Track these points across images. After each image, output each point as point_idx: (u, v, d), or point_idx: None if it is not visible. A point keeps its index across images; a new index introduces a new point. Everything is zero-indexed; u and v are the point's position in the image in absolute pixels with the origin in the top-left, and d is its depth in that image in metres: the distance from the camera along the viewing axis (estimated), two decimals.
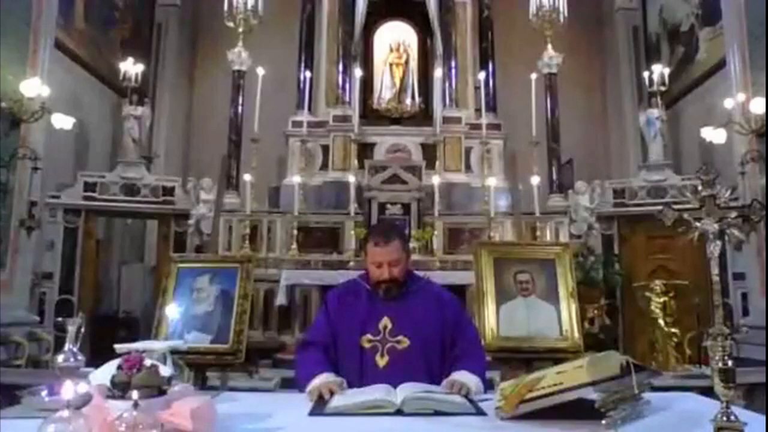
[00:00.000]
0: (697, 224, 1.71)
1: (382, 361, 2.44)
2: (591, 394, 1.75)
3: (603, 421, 1.70)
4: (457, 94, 9.35)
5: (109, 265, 9.79)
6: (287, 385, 5.59)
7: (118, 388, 1.61)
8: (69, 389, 1.35)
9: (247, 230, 7.65)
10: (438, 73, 9.05)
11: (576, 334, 3.06)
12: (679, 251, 7.63)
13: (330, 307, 2.64)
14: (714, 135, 7.11)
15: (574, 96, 10.65)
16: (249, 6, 9.00)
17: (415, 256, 7.35)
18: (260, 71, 8.21)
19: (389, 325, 2.49)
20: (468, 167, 9.00)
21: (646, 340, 6.78)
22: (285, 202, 8.44)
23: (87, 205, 8.24)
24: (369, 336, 2.48)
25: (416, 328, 2.49)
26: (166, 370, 1.80)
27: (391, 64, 9.66)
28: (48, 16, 6.94)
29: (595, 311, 7.44)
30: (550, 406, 1.77)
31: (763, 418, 1.74)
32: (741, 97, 6.63)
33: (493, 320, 3.09)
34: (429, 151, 8.97)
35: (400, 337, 2.47)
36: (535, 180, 7.54)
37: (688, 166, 8.80)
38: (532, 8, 9.23)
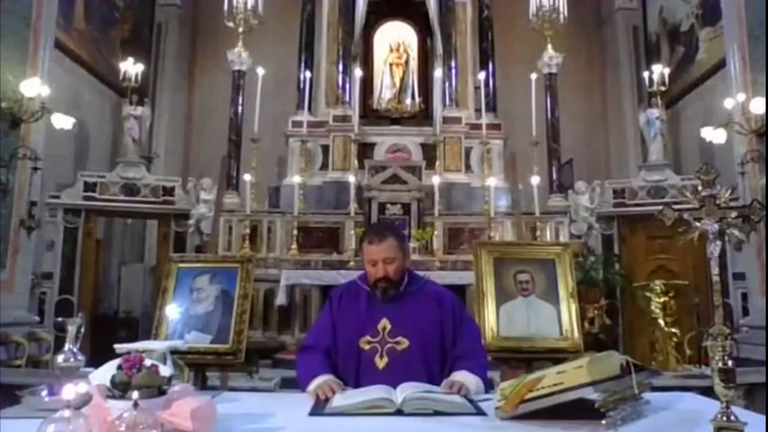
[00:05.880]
0: (697, 224, 1.71)
1: (381, 363, 2.43)
2: (591, 394, 1.75)
3: (603, 421, 1.70)
4: (457, 94, 9.35)
5: (109, 265, 9.79)
6: (287, 385, 5.60)
7: (118, 388, 1.61)
8: (69, 389, 1.35)
9: (247, 230, 7.65)
10: (438, 73, 9.05)
11: (576, 334, 3.05)
12: (679, 251, 7.63)
13: (333, 305, 2.63)
14: (714, 135, 7.11)
15: (574, 96, 10.66)
16: (249, 6, 9.01)
17: (415, 256, 7.36)
18: (260, 71, 8.21)
19: (388, 326, 2.48)
20: (468, 167, 9.01)
21: (646, 340, 6.77)
22: (285, 202, 8.45)
23: (87, 205, 8.24)
24: (368, 337, 2.47)
25: (415, 328, 2.48)
26: (166, 370, 1.80)
27: (391, 64, 9.66)
28: (48, 16, 6.93)
29: (595, 311, 7.43)
30: (550, 406, 1.77)
31: (763, 418, 1.74)
32: (741, 97, 6.63)
33: (493, 320, 3.08)
34: (429, 151, 8.98)
35: (399, 338, 2.46)
36: (535, 180, 7.54)
37: (688, 166, 8.81)
38: (532, 8, 9.23)
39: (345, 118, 8.98)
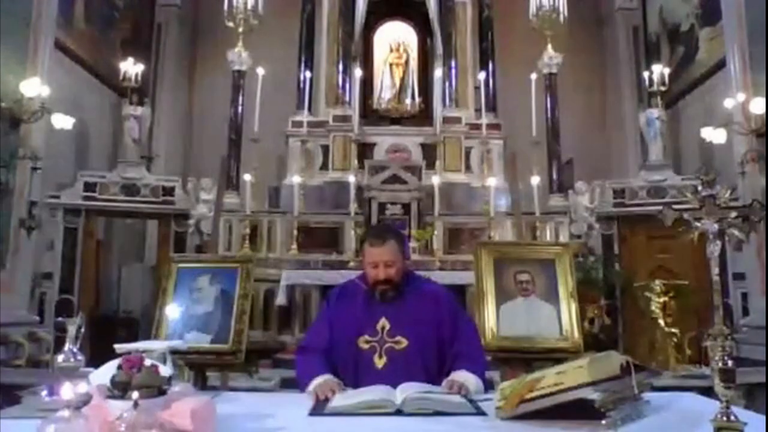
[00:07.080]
0: (697, 224, 1.71)
1: (380, 362, 2.43)
2: (591, 394, 1.75)
3: (603, 421, 1.70)
4: (457, 94, 9.36)
5: (109, 265, 9.78)
6: (287, 385, 5.59)
7: (118, 388, 1.61)
8: (69, 389, 1.35)
9: (247, 230, 7.66)
10: (438, 73, 9.06)
11: (576, 334, 3.05)
12: (679, 251, 7.61)
13: (331, 304, 2.64)
14: (714, 135, 7.10)
15: (574, 96, 10.65)
16: (249, 6, 9.02)
17: (415, 256, 7.37)
18: (260, 71, 8.22)
19: (387, 326, 2.48)
20: (468, 167, 9.02)
21: (646, 340, 6.78)
22: (285, 202, 8.45)
23: (87, 205, 8.23)
24: (366, 337, 2.48)
25: (414, 328, 2.48)
26: (166, 370, 1.80)
27: (391, 64, 9.68)
28: (48, 16, 6.93)
29: (595, 311, 7.43)
30: (550, 406, 1.77)
31: (763, 418, 1.74)
32: (741, 97, 6.62)
33: (493, 320, 3.08)
34: (429, 151, 8.99)
35: (398, 338, 2.46)
36: (535, 180, 7.55)
37: (688, 166, 8.81)
38: (532, 8, 9.24)
39: (345, 118, 8.98)
